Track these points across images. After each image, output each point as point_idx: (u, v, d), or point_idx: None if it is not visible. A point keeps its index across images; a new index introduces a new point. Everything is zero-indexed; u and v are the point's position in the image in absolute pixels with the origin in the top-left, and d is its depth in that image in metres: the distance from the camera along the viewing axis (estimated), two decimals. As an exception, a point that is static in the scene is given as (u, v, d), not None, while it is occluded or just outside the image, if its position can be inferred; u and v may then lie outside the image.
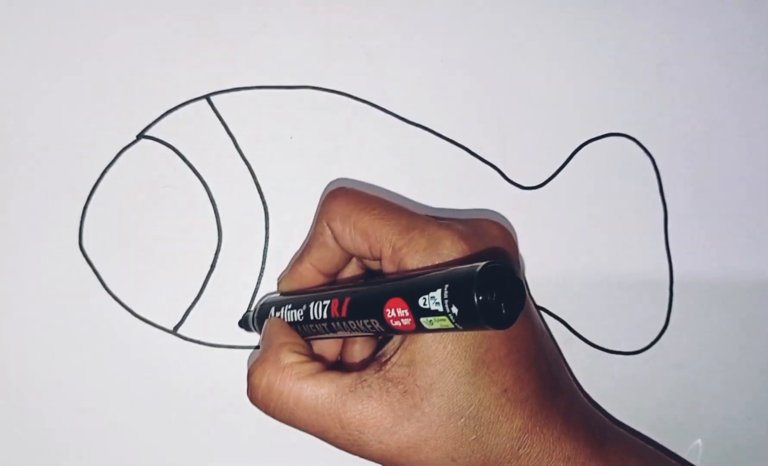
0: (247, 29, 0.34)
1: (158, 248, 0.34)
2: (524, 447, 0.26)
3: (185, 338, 0.34)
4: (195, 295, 0.34)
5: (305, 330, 0.29)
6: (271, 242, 0.34)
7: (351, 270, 0.31)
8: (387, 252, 0.27)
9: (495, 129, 0.35)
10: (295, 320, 0.29)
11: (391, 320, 0.24)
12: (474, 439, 0.26)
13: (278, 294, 0.33)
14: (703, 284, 0.36)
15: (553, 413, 0.27)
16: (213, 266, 0.34)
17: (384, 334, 0.27)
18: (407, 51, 0.35)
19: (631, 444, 0.30)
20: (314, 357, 0.28)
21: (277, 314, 0.30)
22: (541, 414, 0.27)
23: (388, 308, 0.24)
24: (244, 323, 0.33)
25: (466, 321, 0.21)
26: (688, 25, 0.36)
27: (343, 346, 0.31)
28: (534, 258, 0.34)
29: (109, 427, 0.33)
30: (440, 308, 0.22)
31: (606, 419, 0.31)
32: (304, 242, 0.33)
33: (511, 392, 0.26)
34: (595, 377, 0.35)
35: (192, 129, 0.34)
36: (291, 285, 0.31)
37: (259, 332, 0.32)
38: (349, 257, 0.30)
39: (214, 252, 0.34)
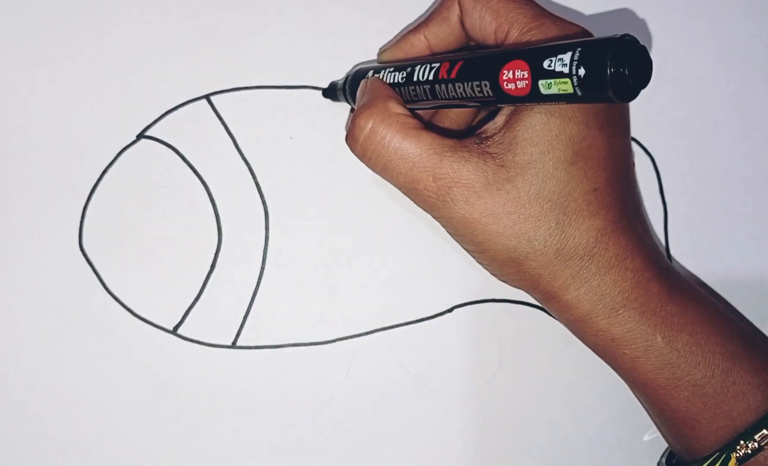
0: (247, 29, 0.34)
1: (158, 248, 0.34)
2: (599, 247, 0.27)
3: (185, 338, 0.34)
4: (195, 295, 0.34)
5: (404, 94, 0.29)
6: (271, 242, 0.34)
7: None
8: (514, 34, 0.27)
9: (495, 129, 0.35)
10: (396, 81, 0.29)
11: (505, 82, 0.24)
12: (555, 225, 0.27)
13: (374, 63, 0.33)
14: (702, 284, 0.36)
15: (631, 228, 0.28)
16: (213, 266, 0.34)
17: (490, 103, 0.26)
18: (407, 51, 0.35)
19: (692, 287, 0.30)
20: (416, 116, 0.29)
21: (376, 76, 0.30)
22: (621, 223, 0.28)
23: (506, 69, 0.24)
24: (330, 92, 0.33)
25: (590, 86, 0.22)
26: (688, 25, 0.36)
27: (432, 118, 0.31)
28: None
29: (109, 427, 0.33)
30: (566, 70, 0.22)
31: (668, 261, 0.31)
32: (422, 16, 0.32)
33: (600, 193, 0.27)
34: (595, 377, 0.35)
35: (192, 129, 0.34)
36: (395, 54, 0.31)
37: (347, 99, 0.32)
38: (465, 40, 0.30)
39: (214, 252, 0.34)
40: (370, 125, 0.27)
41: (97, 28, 0.34)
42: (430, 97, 0.28)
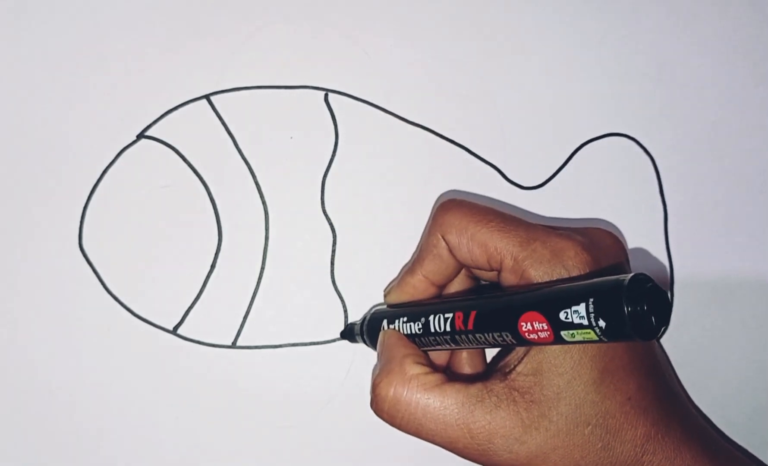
0: (247, 29, 0.34)
1: (158, 247, 0.34)
2: (647, 454, 0.27)
3: (185, 338, 0.34)
4: (195, 295, 0.34)
5: (422, 342, 0.29)
6: (271, 242, 0.34)
7: (459, 280, 0.31)
8: (508, 263, 0.27)
9: (495, 129, 0.35)
10: (413, 332, 0.29)
11: (527, 334, 0.24)
12: (600, 446, 0.26)
13: (385, 306, 0.33)
14: (703, 284, 0.36)
15: (674, 422, 0.27)
16: (213, 266, 0.34)
17: (514, 346, 0.27)
18: (407, 51, 0.35)
19: (740, 461, 0.30)
20: (434, 368, 0.28)
21: (391, 326, 0.30)
22: (663, 422, 0.27)
23: (523, 321, 0.24)
24: (348, 334, 0.33)
25: (613, 334, 0.21)
26: (688, 25, 0.36)
27: (451, 356, 0.31)
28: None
29: (109, 427, 0.33)
30: (585, 322, 0.22)
31: (715, 433, 0.31)
32: (414, 254, 0.33)
33: (635, 400, 0.27)
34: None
35: (192, 129, 0.34)
36: (401, 297, 0.31)
37: (367, 343, 0.32)
38: (460, 268, 0.30)
39: (214, 252, 0.34)
40: (391, 393, 0.27)
41: (97, 28, 0.34)
42: (451, 345, 0.28)
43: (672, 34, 0.36)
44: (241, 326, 0.34)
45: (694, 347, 0.35)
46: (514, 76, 0.36)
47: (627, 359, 0.27)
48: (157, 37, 0.34)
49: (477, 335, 0.26)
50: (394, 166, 0.35)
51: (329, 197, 0.35)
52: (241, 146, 0.34)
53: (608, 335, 0.21)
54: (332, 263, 0.34)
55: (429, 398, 0.27)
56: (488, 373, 0.28)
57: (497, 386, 0.27)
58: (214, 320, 0.34)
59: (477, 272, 0.30)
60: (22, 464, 0.33)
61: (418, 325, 0.29)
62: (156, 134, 0.34)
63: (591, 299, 0.22)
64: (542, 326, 0.23)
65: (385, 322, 0.31)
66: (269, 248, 0.34)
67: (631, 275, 0.21)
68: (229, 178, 0.34)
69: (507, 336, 0.25)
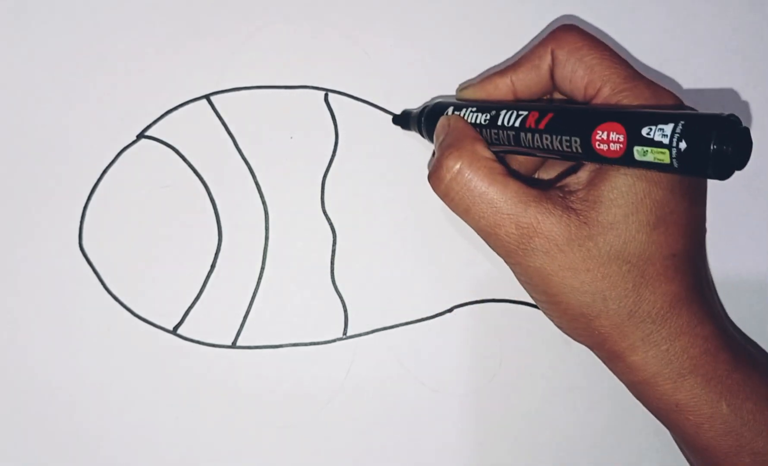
0: (247, 29, 0.34)
1: (158, 247, 0.34)
2: (672, 313, 0.27)
3: (185, 338, 0.34)
4: (195, 295, 0.34)
5: (484, 136, 0.29)
6: (271, 241, 0.34)
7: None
8: (606, 92, 0.27)
9: (495, 129, 0.35)
10: (478, 122, 0.29)
11: (597, 143, 0.24)
12: (631, 287, 0.27)
13: (452, 99, 0.32)
14: (703, 283, 0.36)
15: (702, 295, 0.28)
16: (213, 266, 0.34)
17: (573, 158, 0.27)
18: (407, 51, 0.35)
19: (755, 355, 0.30)
20: (501, 162, 0.29)
21: (457, 113, 0.30)
22: (695, 291, 0.28)
23: (599, 129, 0.24)
24: (402, 119, 0.33)
25: (689, 160, 0.22)
26: (688, 25, 0.36)
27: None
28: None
29: (109, 427, 0.33)
30: (665, 141, 0.22)
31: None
32: (510, 61, 0.32)
33: (678, 259, 0.27)
34: (595, 377, 0.35)
35: (192, 129, 0.34)
36: (477, 93, 0.31)
37: (422, 132, 0.32)
38: (548, 90, 0.30)
39: (214, 252, 0.34)
40: (457, 167, 0.28)
41: (97, 28, 0.34)
42: (512, 144, 0.28)
43: (672, 33, 0.36)
44: (241, 326, 0.34)
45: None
46: (514, 76, 0.36)
47: (684, 220, 0.27)
48: (157, 37, 0.34)
49: (544, 137, 0.26)
50: (394, 167, 0.35)
51: (329, 197, 0.35)
52: (241, 146, 0.34)
53: (683, 160, 0.22)
54: (332, 263, 0.34)
55: (490, 184, 0.27)
56: (546, 187, 0.29)
57: (555, 197, 0.27)
58: (214, 320, 0.34)
59: (563, 97, 0.31)
60: (22, 464, 0.33)
61: (486, 116, 0.29)
62: (156, 134, 0.34)
63: (682, 121, 0.22)
64: (617, 138, 0.24)
65: (450, 109, 0.31)
66: (269, 248, 0.34)
67: (729, 113, 0.22)
68: (229, 178, 0.34)
69: (575, 143, 0.25)
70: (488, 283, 0.35)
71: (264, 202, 0.34)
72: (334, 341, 0.34)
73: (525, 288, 0.30)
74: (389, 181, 0.35)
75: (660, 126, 0.23)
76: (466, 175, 0.27)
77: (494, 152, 0.29)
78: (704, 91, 0.36)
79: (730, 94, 0.37)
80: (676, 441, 0.31)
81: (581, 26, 0.30)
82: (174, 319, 0.34)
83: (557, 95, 0.31)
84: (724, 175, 0.22)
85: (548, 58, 0.29)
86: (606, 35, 0.36)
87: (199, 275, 0.34)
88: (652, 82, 0.28)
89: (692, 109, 0.26)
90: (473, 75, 0.35)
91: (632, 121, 0.24)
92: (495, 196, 0.27)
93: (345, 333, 0.34)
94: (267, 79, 0.35)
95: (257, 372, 0.34)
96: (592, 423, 0.35)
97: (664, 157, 0.22)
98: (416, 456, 0.34)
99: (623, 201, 0.26)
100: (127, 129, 0.34)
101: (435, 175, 0.28)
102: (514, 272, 0.29)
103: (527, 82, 0.30)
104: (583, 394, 0.35)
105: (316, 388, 0.34)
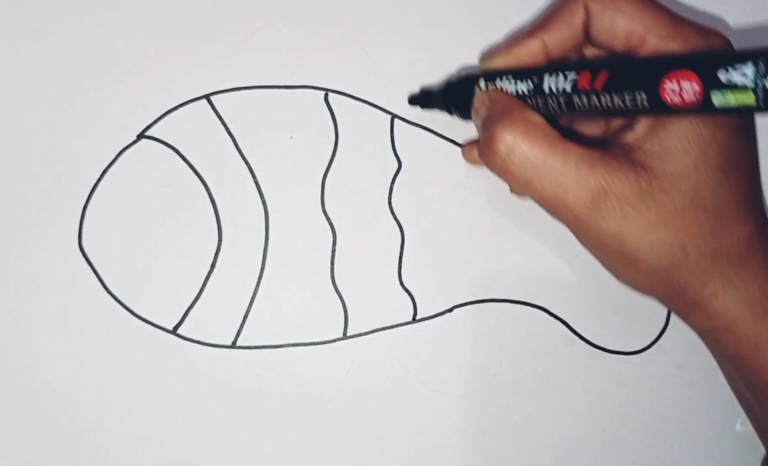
0: (247, 29, 0.34)
1: (158, 247, 0.34)
2: (749, 253, 0.27)
3: (185, 338, 0.34)
4: (195, 295, 0.34)
5: (530, 106, 0.27)
6: (271, 241, 0.34)
7: None
8: (652, 40, 0.26)
9: (495, 129, 0.35)
10: (521, 92, 0.27)
11: (669, 94, 0.23)
12: (709, 233, 0.26)
13: (476, 70, 0.31)
14: (703, 283, 0.36)
15: None
16: (213, 266, 0.34)
17: (640, 112, 0.25)
18: (407, 51, 0.35)
19: None
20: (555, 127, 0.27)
21: (492, 85, 0.28)
22: (766, 229, 0.28)
23: (667, 80, 0.23)
24: (423, 99, 0.31)
25: None
26: (688, 25, 0.36)
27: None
28: (534, 258, 0.34)
29: (108, 427, 0.33)
30: (748, 82, 0.21)
31: None
32: (537, 18, 0.30)
33: (749, 199, 0.27)
34: (595, 377, 0.35)
35: (192, 129, 0.34)
36: (508, 61, 0.29)
37: (451, 109, 0.30)
38: (581, 45, 0.29)
39: (214, 252, 0.34)
40: (512, 138, 0.26)
41: (97, 28, 0.34)
42: (565, 110, 0.27)
43: None
44: (241, 326, 0.34)
45: (694, 347, 0.35)
46: (514, 76, 0.36)
47: (749, 161, 0.27)
48: (157, 37, 0.34)
49: (603, 97, 0.25)
50: (394, 167, 0.35)
51: (329, 197, 0.35)
52: (241, 146, 0.34)
53: None
54: (332, 263, 0.34)
55: (551, 151, 0.26)
56: (606, 146, 0.27)
57: (618, 154, 0.26)
58: (214, 320, 0.34)
59: (602, 53, 0.29)
60: (22, 464, 0.33)
61: (528, 84, 0.27)
62: (156, 134, 0.34)
63: (762, 60, 0.21)
64: (691, 86, 0.22)
65: (482, 81, 0.29)
66: (269, 248, 0.34)
67: None
68: (229, 178, 0.34)
69: (641, 97, 0.24)
70: (488, 283, 0.35)
71: (264, 202, 0.34)
72: (334, 341, 0.34)
73: (596, 255, 0.29)
74: (389, 181, 0.35)
75: (738, 66, 0.21)
76: (524, 145, 0.26)
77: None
78: (750, 31, 0.36)
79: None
80: (744, 393, 0.30)
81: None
82: (174, 319, 0.34)
83: (589, 51, 0.29)
84: None
85: (581, 13, 0.28)
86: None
87: (199, 275, 0.34)
88: (697, 24, 0.26)
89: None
90: (473, 75, 0.35)
91: (705, 65, 0.22)
92: (558, 163, 0.26)
93: (345, 333, 0.34)
94: (267, 79, 0.34)
95: (257, 372, 0.34)
96: (592, 423, 0.35)
97: (748, 99, 0.21)
98: (416, 456, 0.34)
99: (690, 148, 0.26)
100: (127, 129, 0.34)
101: (489, 150, 0.27)
102: (582, 240, 0.28)
103: (561, 42, 0.28)
104: (583, 394, 0.35)
105: (316, 388, 0.34)
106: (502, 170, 0.27)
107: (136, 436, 0.33)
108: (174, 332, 0.34)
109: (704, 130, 0.26)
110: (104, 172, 0.34)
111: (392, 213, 0.35)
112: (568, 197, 0.26)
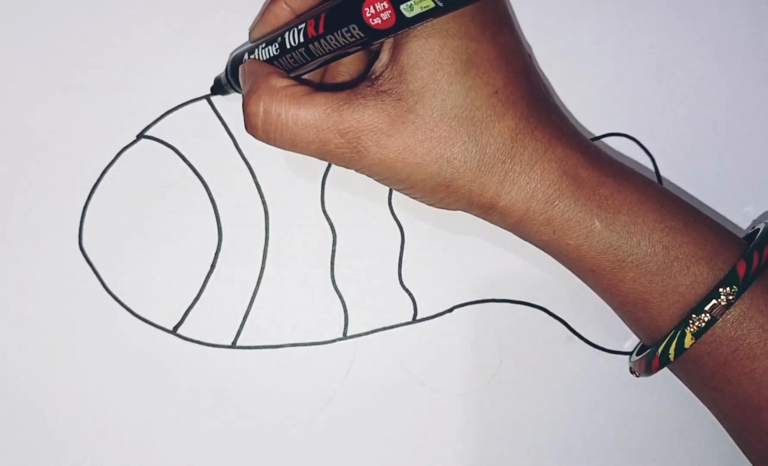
0: (247, 29, 0.34)
1: (158, 248, 0.34)
2: (517, 148, 0.28)
3: (185, 338, 0.34)
4: (195, 295, 0.34)
5: (284, 65, 0.29)
6: (271, 241, 0.34)
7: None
8: None
9: (495, 129, 0.35)
10: (271, 55, 0.29)
11: (371, 19, 0.24)
12: (467, 138, 0.27)
13: (247, 44, 0.32)
14: (703, 284, 0.36)
15: (545, 120, 0.28)
16: (213, 266, 0.34)
17: (366, 43, 0.26)
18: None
19: (625, 168, 0.30)
20: (301, 82, 0.28)
21: (251, 56, 0.30)
22: (533, 117, 0.28)
23: (366, 6, 0.24)
24: (217, 87, 0.33)
25: None
26: (688, 25, 0.36)
27: (324, 77, 0.31)
28: (534, 258, 0.34)
29: (109, 427, 0.33)
30: None
31: (586, 137, 0.31)
32: None
33: (502, 94, 0.27)
34: (595, 377, 0.35)
35: (192, 129, 0.34)
36: (264, 29, 0.31)
37: (234, 86, 0.32)
38: None
39: (214, 252, 0.34)
40: (261, 108, 0.27)
41: (97, 28, 0.34)
42: (309, 60, 0.28)
43: (672, 34, 0.36)
44: (241, 326, 0.34)
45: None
46: (514, 76, 0.35)
47: (493, 54, 0.27)
48: (157, 37, 0.34)
49: (328, 38, 0.26)
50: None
51: (329, 197, 0.35)
52: (241, 146, 0.34)
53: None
54: (332, 263, 0.34)
55: (299, 108, 0.27)
56: (356, 83, 0.28)
57: (364, 89, 0.27)
58: (214, 320, 0.34)
59: None
60: (22, 463, 0.33)
61: (274, 46, 0.29)
62: (156, 134, 0.34)
63: None
64: (383, 6, 0.24)
65: (246, 55, 0.31)
66: (269, 248, 0.34)
67: None
68: (229, 178, 0.34)
69: (354, 29, 0.25)
70: (488, 283, 0.35)
71: (264, 202, 0.34)
72: (334, 341, 0.34)
73: (384, 184, 0.30)
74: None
75: None
76: (273, 111, 0.27)
77: (298, 76, 0.29)
78: None
79: None
80: (571, 270, 0.31)
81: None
82: (174, 319, 0.34)
83: None
84: None
85: None
86: (605, 35, 0.36)
87: (199, 275, 0.34)
88: None
89: None
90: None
91: None
92: (308, 117, 0.27)
93: (345, 333, 0.34)
94: (267, 79, 0.34)
95: (257, 372, 0.34)
96: (591, 423, 0.35)
97: (428, 2, 0.23)
98: (416, 456, 0.34)
99: (424, 62, 0.27)
100: (127, 129, 0.34)
101: (248, 125, 0.28)
102: (366, 175, 0.29)
103: None
104: (583, 394, 0.35)
105: (316, 388, 0.34)
106: (265, 139, 0.28)
107: (137, 436, 0.33)
108: (174, 332, 0.34)
109: (433, 41, 0.27)
110: (104, 172, 0.34)
111: (392, 213, 0.35)
112: (329, 145, 0.27)
